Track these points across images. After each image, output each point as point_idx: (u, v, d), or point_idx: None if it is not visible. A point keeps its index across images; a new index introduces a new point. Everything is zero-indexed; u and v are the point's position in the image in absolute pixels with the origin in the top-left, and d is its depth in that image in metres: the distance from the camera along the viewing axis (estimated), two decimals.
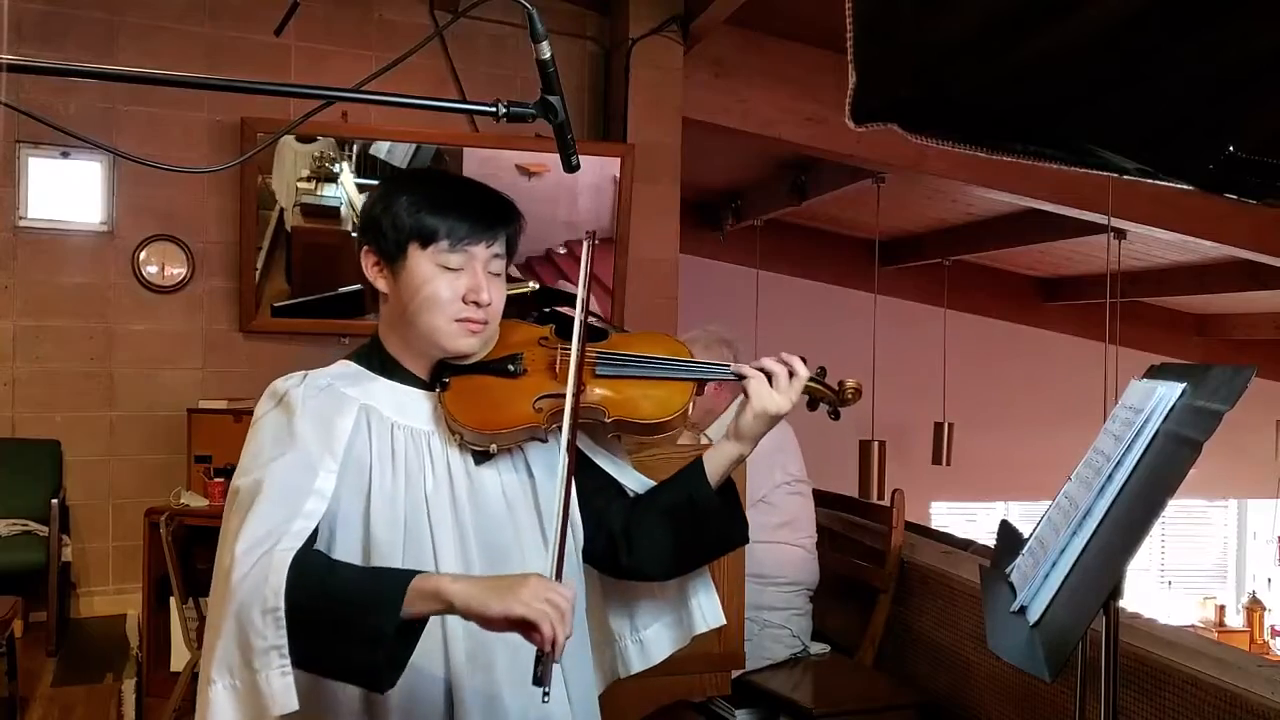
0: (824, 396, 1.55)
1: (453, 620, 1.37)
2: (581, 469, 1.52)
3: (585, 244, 1.49)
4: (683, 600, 1.61)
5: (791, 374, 1.50)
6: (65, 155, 4.63)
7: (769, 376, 1.49)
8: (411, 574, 1.25)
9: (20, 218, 4.60)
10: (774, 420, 1.50)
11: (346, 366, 1.48)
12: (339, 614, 1.23)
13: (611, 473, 1.58)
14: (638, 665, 1.60)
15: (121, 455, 4.75)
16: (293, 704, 1.20)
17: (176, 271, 4.81)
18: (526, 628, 1.20)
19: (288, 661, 1.20)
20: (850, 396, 1.55)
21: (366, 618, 1.22)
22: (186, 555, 3.62)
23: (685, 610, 1.60)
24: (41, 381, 4.65)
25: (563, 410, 1.41)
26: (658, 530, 1.52)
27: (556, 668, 1.32)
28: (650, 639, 1.60)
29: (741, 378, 1.51)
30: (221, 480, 4.15)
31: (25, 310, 4.63)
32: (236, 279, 4.82)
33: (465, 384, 1.45)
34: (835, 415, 1.58)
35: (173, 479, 4.47)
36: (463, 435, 1.43)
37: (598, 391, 1.48)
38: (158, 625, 3.99)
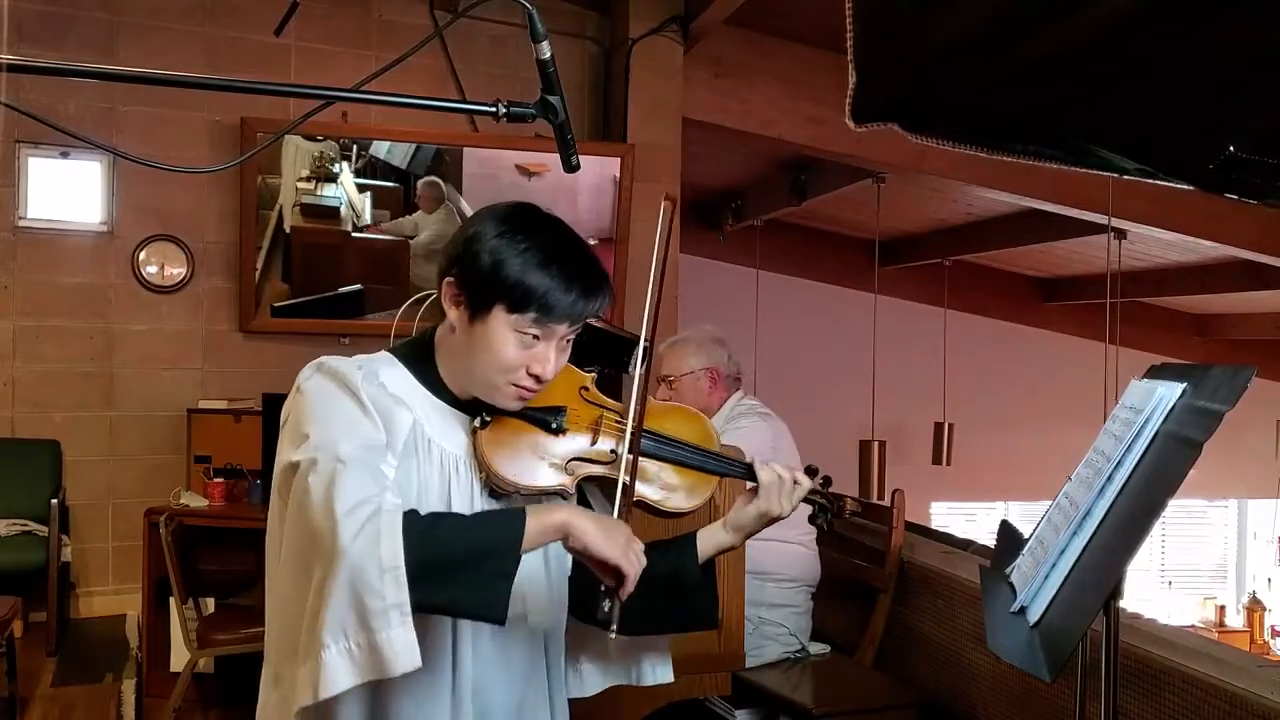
0: (825, 508, 1.64)
1: (464, 624, 1.40)
2: None
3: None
4: (634, 655, 1.63)
5: (796, 483, 1.57)
6: (65, 155, 4.63)
7: (780, 481, 1.55)
8: (521, 513, 1.30)
9: (20, 218, 4.60)
10: (770, 522, 1.57)
11: (393, 364, 1.45)
12: (461, 560, 1.25)
13: None
14: (573, 692, 1.60)
15: (121, 455, 4.74)
16: (416, 660, 1.21)
17: (176, 271, 4.81)
18: (608, 570, 1.33)
19: (409, 619, 1.20)
20: (848, 514, 1.66)
21: (485, 564, 1.25)
22: (186, 555, 3.62)
23: (635, 665, 1.64)
24: (41, 381, 4.65)
25: (594, 477, 1.48)
26: (637, 594, 1.51)
27: (537, 672, 1.48)
28: (588, 674, 1.62)
29: (757, 479, 1.56)
30: (221, 480, 4.15)
31: (25, 310, 4.63)
32: (236, 279, 4.82)
33: (505, 427, 1.44)
34: (829, 527, 1.68)
35: (172, 479, 4.47)
36: (489, 475, 1.43)
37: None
38: (157, 625, 3.99)
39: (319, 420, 1.33)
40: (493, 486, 1.44)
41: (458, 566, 1.25)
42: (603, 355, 1.55)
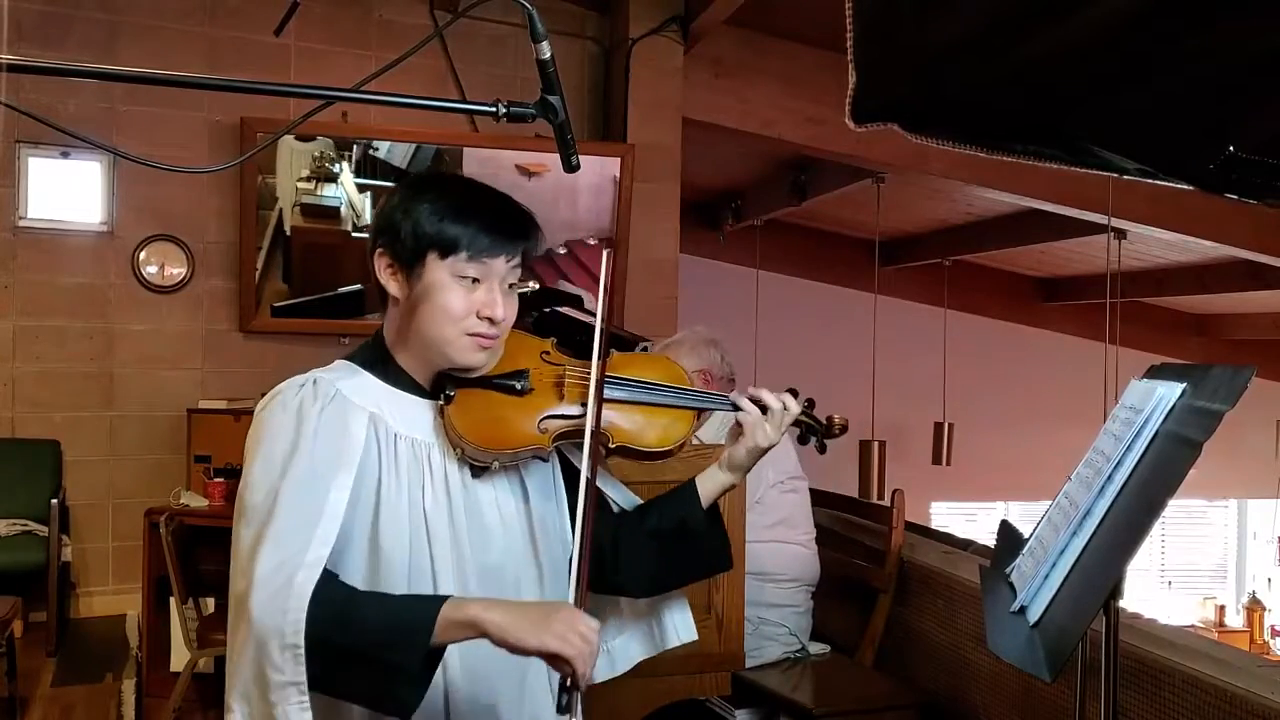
0: (814, 429, 1.61)
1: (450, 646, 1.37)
2: (570, 486, 1.53)
3: (602, 284, 1.49)
4: (655, 615, 1.61)
5: (784, 409, 1.53)
6: (65, 155, 4.63)
7: (764, 410, 1.52)
8: (437, 604, 1.24)
9: (20, 218, 4.60)
10: (763, 453, 1.53)
11: (348, 368, 1.44)
12: (363, 649, 1.23)
13: (600, 487, 1.57)
14: (604, 674, 1.58)
15: (121, 455, 4.75)
16: None
17: (176, 271, 4.81)
18: (556, 659, 1.22)
19: (306, 698, 1.20)
20: (837, 431, 1.62)
21: (393, 654, 1.22)
22: (186, 555, 3.62)
23: (658, 625, 1.62)
24: (41, 381, 4.65)
25: (568, 431, 1.44)
26: (646, 551, 1.52)
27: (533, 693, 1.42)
28: (617, 649, 1.60)
29: (739, 410, 1.53)
30: (221, 480, 4.15)
31: (25, 310, 4.63)
32: (236, 279, 4.82)
33: (470, 398, 1.42)
34: (822, 449, 1.64)
35: (172, 479, 4.47)
36: (464, 450, 1.41)
37: (605, 416, 1.47)
38: (157, 625, 4.00)
39: (260, 457, 1.33)
40: (471, 462, 1.42)
41: (360, 657, 1.23)
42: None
